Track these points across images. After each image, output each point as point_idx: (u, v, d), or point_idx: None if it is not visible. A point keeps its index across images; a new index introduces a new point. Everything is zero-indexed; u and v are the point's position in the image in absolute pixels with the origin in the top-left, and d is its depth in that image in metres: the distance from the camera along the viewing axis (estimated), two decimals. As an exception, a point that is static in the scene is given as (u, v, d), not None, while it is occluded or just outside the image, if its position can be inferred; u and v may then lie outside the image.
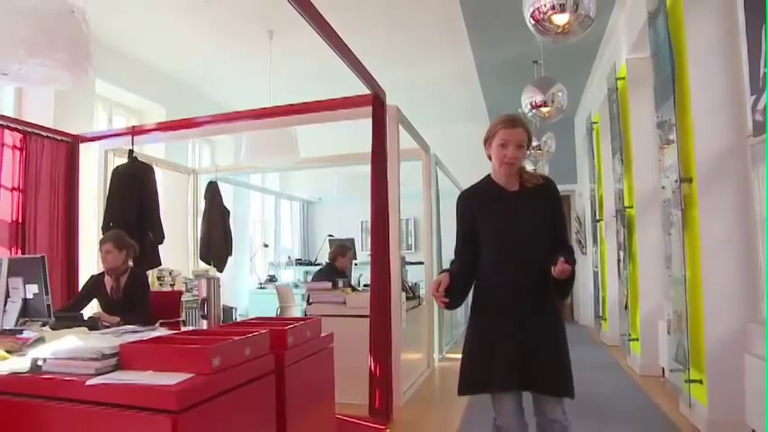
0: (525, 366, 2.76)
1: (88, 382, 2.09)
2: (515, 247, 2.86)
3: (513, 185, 2.93)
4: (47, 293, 3.67)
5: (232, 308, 7.97)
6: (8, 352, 2.60)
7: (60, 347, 2.35)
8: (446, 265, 9.95)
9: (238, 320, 4.98)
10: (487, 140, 2.93)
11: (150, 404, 2.00)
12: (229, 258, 7.92)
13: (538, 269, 2.81)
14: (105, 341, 2.44)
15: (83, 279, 5.50)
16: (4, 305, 3.67)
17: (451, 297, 2.91)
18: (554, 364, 2.80)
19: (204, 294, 3.43)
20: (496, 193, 2.93)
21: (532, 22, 4.04)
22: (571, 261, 2.66)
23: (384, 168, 5.07)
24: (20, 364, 2.39)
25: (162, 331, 3.11)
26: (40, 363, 2.29)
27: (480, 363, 2.87)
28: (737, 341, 4.12)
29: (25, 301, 3.70)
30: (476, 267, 2.96)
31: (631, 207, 6.85)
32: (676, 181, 4.64)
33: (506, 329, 2.81)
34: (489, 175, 2.99)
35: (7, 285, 3.68)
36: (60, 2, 3.36)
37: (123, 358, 2.28)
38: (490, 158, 2.96)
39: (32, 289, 3.70)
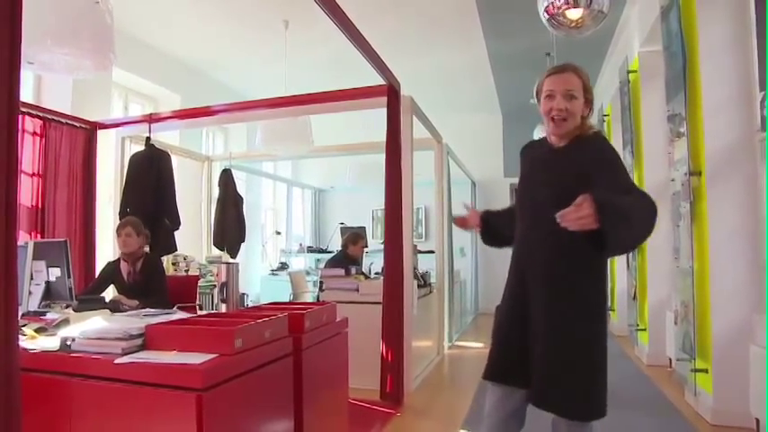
0: (523, 362, 2.37)
1: (116, 361, 2.19)
2: (529, 215, 2.46)
3: (561, 140, 2.42)
4: (69, 276, 3.78)
5: (244, 294, 8.06)
6: (36, 332, 2.70)
7: (89, 327, 2.44)
8: (456, 254, 9.89)
9: (250, 306, 5.07)
10: (537, 96, 2.49)
11: (177, 382, 2.08)
12: (242, 245, 8.03)
13: (556, 244, 2.29)
14: (131, 322, 2.54)
15: (100, 264, 5.62)
16: (29, 287, 3.77)
17: (486, 226, 2.80)
18: (554, 375, 2.28)
19: (224, 279, 3.52)
20: (541, 150, 2.51)
21: (546, 16, 4.10)
22: (605, 202, 1.93)
23: (398, 159, 5.14)
24: (49, 343, 2.49)
25: (181, 314, 3.20)
26: (69, 342, 2.39)
27: (491, 351, 2.53)
28: (743, 332, 4.18)
29: (48, 283, 3.82)
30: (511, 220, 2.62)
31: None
32: (686, 174, 4.70)
33: (513, 315, 2.45)
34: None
35: (32, 268, 3.79)
36: (85, -8, 3.45)
37: (149, 338, 2.37)
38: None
39: (55, 272, 3.82)
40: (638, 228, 2.10)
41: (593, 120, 2.51)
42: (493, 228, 2.81)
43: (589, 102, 2.39)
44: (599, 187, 2.05)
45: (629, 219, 2.02)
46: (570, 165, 2.31)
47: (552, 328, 2.30)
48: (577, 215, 1.91)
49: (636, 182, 7.03)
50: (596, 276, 2.37)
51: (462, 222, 2.94)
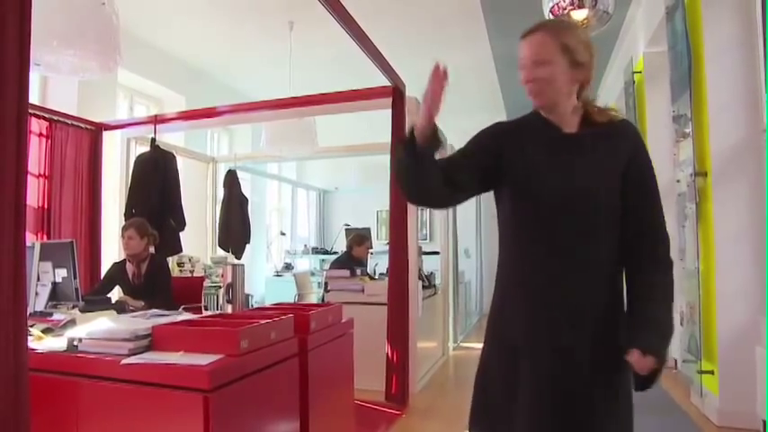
0: None
1: (123, 362, 2.19)
2: (565, 222, 1.78)
3: (567, 124, 1.87)
4: (75, 277, 3.80)
5: (248, 294, 8.07)
6: (43, 332, 2.71)
7: (95, 328, 2.45)
8: (461, 255, 9.84)
9: (254, 307, 5.08)
10: None
11: (183, 383, 2.10)
12: (247, 246, 8.03)
13: (605, 276, 1.79)
14: (137, 323, 2.55)
15: (105, 265, 5.63)
16: (36, 288, 3.78)
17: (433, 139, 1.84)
18: None
19: (230, 280, 3.53)
20: (549, 133, 1.87)
21: (551, 17, 4.10)
22: (658, 330, 1.71)
23: (403, 160, 5.13)
24: (56, 343, 2.50)
25: (187, 315, 3.21)
26: (76, 342, 2.40)
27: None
28: (749, 333, 4.18)
29: (54, 284, 3.83)
30: (442, 178, 1.85)
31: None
32: (691, 175, 4.69)
33: (527, 393, 1.79)
34: (535, 111, 1.95)
35: (38, 269, 3.80)
36: (92, -6, 3.47)
37: (155, 339, 2.38)
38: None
39: (61, 273, 3.83)
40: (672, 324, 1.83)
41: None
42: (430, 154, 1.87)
43: (579, 64, 1.84)
44: (636, 203, 1.79)
45: (671, 332, 1.79)
46: (607, 159, 1.81)
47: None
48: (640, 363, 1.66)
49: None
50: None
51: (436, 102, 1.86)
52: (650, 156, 1.86)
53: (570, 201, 1.78)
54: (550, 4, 3.99)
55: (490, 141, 1.95)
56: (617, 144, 1.82)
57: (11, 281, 1.49)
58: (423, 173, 1.84)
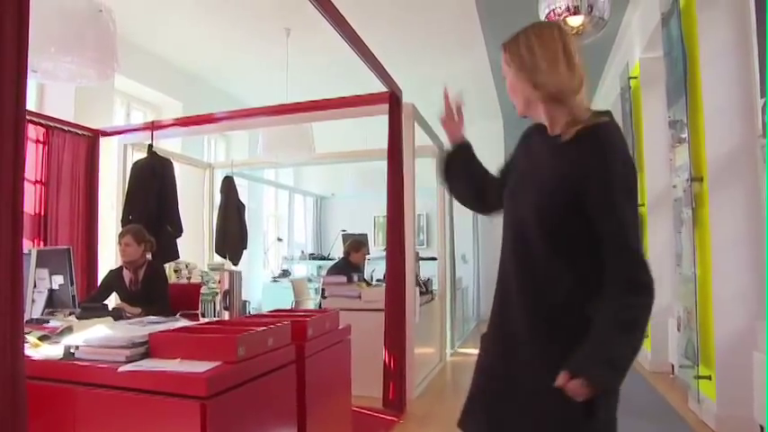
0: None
1: (120, 369, 2.19)
2: (512, 224, 1.83)
3: (552, 127, 1.80)
4: (72, 284, 3.81)
5: (246, 301, 8.06)
6: (40, 339, 2.70)
7: (92, 335, 2.45)
8: (459, 261, 9.80)
9: (252, 313, 5.08)
10: None
11: (180, 390, 2.10)
12: (244, 252, 8.03)
13: (541, 272, 1.71)
14: (134, 330, 2.54)
15: (102, 271, 5.62)
16: (32, 295, 3.78)
17: (467, 152, 2.11)
18: None
19: (227, 287, 3.53)
20: (541, 135, 1.85)
21: (547, 23, 4.11)
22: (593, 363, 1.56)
23: (399, 165, 5.15)
24: (53, 351, 2.50)
25: (184, 322, 3.21)
26: (72, 350, 2.39)
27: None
28: (745, 338, 4.18)
29: (51, 291, 3.83)
30: (488, 181, 2.05)
31: (643, 205, 6.89)
32: (687, 180, 4.70)
33: (487, 357, 1.90)
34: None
35: (35, 276, 3.80)
36: (89, 2, 3.47)
37: (152, 346, 2.37)
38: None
39: (58, 280, 3.83)
40: (634, 351, 1.62)
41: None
42: (470, 163, 2.12)
43: (527, 69, 1.76)
44: (595, 218, 1.63)
45: (628, 361, 1.60)
46: (556, 169, 1.72)
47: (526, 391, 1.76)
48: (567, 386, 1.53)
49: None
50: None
51: (450, 120, 2.17)
52: (632, 164, 1.74)
53: (507, 215, 1.86)
54: (547, 11, 4.02)
55: (515, 150, 1.99)
56: (571, 155, 1.68)
57: (8, 287, 1.49)
58: (455, 187, 2.13)
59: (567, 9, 3.92)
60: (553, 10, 3.97)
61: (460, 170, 2.11)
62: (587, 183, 1.62)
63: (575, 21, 4.00)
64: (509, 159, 2.00)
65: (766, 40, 3.71)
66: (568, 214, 1.65)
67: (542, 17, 4.08)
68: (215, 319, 4.57)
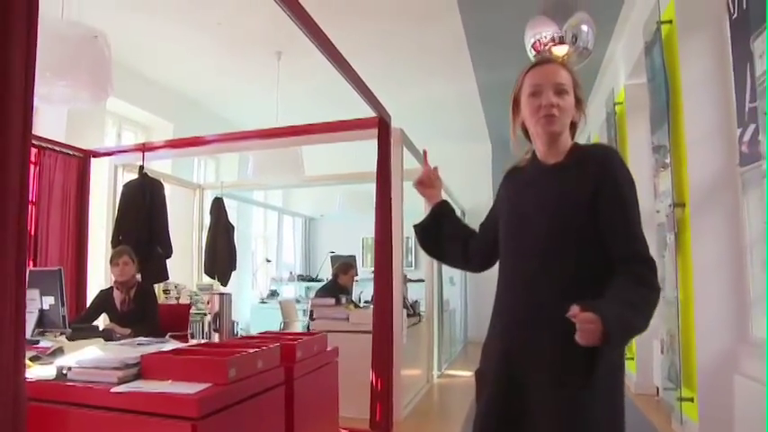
0: None
1: (113, 390, 2.23)
2: (527, 253, 1.89)
3: (554, 156, 1.94)
4: (63, 305, 3.82)
5: (234, 321, 8.07)
6: (31, 360, 2.73)
7: (85, 357, 2.48)
8: (446, 283, 9.80)
9: (240, 334, 5.11)
10: (515, 103, 2.05)
11: (172, 411, 2.13)
12: (232, 273, 8.05)
13: (566, 296, 1.68)
14: (126, 351, 2.58)
15: (91, 292, 5.63)
16: (23, 316, 3.79)
17: (439, 215, 2.27)
18: None
19: (216, 309, 3.57)
20: (532, 170, 1.99)
21: (533, 52, 4.21)
22: (611, 308, 1.63)
23: (388, 188, 5.21)
24: (45, 371, 2.53)
25: (174, 343, 3.24)
26: (65, 371, 2.43)
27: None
28: (727, 361, 4.24)
29: (41, 311, 3.84)
30: (473, 243, 2.20)
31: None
32: (670, 206, 4.79)
33: (491, 400, 1.91)
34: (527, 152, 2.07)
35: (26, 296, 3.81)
36: (85, 28, 3.54)
37: (144, 368, 2.41)
38: (527, 135, 2.03)
39: (48, 300, 3.85)
40: (639, 329, 1.76)
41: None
42: (445, 222, 2.28)
43: (580, 102, 1.97)
44: (608, 229, 1.80)
45: (633, 331, 1.75)
46: (569, 183, 1.85)
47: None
48: (582, 327, 1.58)
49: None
50: None
51: (424, 183, 2.35)
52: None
53: (529, 235, 1.93)
54: (532, 40, 4.11)
55: (500, 191, 2.14)
56: (587, 172, 1.85)
57: (12, 309, 1.53)
58: (433, 248, 2.31)
59: (552, 39, 4.02)
60: (539, 39, 4.07)
61: (442, 233, 2.27)
62: (602, 187, 1.81)
63: (559, 50, 4.09)
64: (492, 210, 2.17)
65: (747, 72, 3.81)
66: (590, 232, 1.81)
67: (528, 46, 4.17)
68: (204, 341, 4.59)
